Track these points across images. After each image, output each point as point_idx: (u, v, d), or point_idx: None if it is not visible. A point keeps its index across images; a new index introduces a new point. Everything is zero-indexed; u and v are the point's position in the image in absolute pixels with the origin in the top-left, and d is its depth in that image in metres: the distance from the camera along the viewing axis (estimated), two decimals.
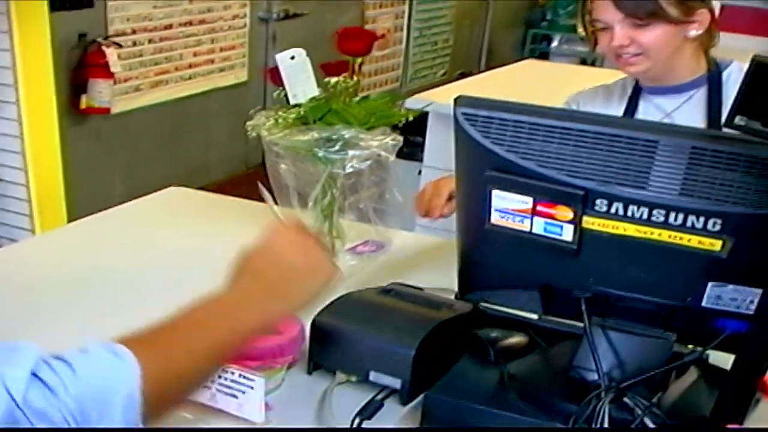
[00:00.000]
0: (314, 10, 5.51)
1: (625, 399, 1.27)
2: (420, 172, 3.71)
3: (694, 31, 1.98)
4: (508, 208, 1.23)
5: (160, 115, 4.73)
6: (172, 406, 1.11)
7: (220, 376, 1.39)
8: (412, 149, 3.79)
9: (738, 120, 1.03)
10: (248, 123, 1.84)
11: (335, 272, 1.25)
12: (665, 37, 1.95)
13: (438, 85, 4.67)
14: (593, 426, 1.25)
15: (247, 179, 1.93)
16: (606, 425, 1.25)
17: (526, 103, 1.22)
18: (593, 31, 2.05)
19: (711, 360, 1.42)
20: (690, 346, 1.37)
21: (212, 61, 4.90)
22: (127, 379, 1.00)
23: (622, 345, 1.32)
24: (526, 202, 1.21)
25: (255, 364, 1.42)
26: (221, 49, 4.94)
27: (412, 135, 3.80)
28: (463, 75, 6.59)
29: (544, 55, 8.24)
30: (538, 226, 1.23)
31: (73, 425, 0.95)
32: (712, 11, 2.00)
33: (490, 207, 1.25)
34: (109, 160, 4.48)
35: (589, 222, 1.20)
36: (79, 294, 1.83)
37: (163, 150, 4.81)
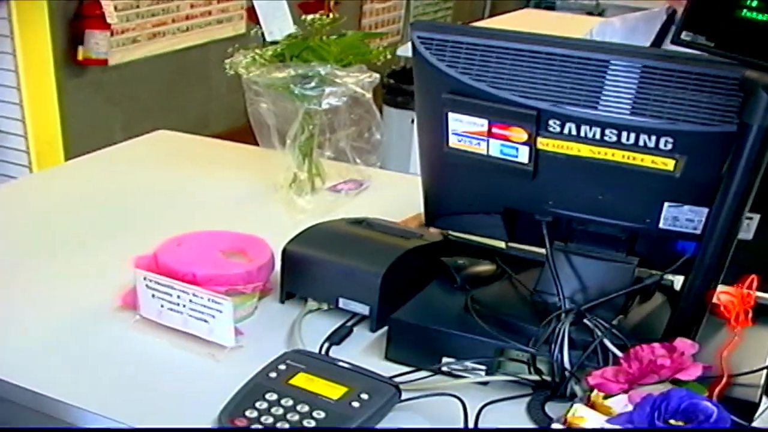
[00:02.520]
0: None
1: (585, 321, 1.29)
2: (413, 121, 3.71)
3: None
4: (464, 131, 1.25)
5: (159, 67, 4.74)
6: None
7: (191, 301, 1.42)
8: (405, 98, 3.80)
9: (684, 35, 1.04)
10: (226, 61, 1.86)
11: None
12: None
13: None
14: (553, 346, 1.27)
15: (247, 131, 1.96)
16: (566, 346, 1.27)
17: (481, 27, 1.24)
18: None
19: (678, 286, 1.44)
20: (654, 272, 1.39)
21: (210, 13, 4.90)
22: None
23: (584, 269, 1.34)
24: (481, 124, 1.22)
25: (224, 289, 1.45)
26: (218, 1, 4.94)
27: (406, 84, 3.81)
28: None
29: (550, 8, 8.18)
30: (494, 148, 1.24)
31: None
32: None
33: (447, 130, 1.26)
34: (108, 112, 4.50)
35: (544, 143, 1.21)
36: (66, 229, 1.87)
37: (162, 102, 4.82)
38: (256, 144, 2.03)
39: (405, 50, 3.09)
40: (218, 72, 4.96)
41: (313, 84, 1.78)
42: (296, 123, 1.87)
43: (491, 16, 7.59)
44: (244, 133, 2.38)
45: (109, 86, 4.46)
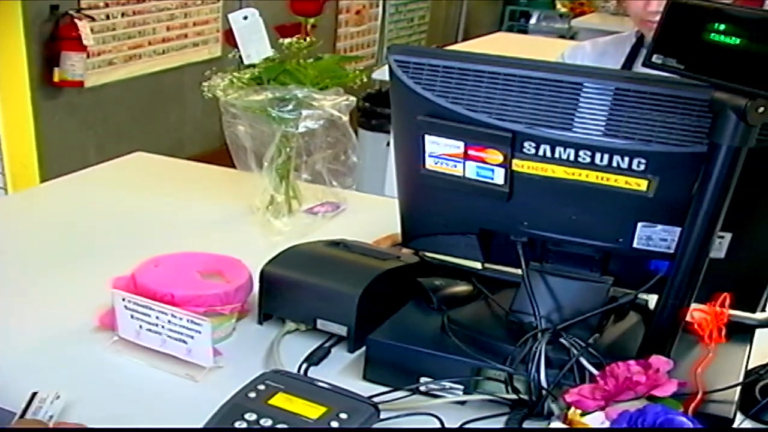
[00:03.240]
0: None
1: (562, 340, 1.30)
2: (388, 144, 3.73)
3: None
4: (441, 153, 1.26)
5: (135, 89, 4.74)
6: None
7: (169, 322, 1.42)
8: (380, 121, 3.82)
9: (655, 58, 1.06)
10: (204, 84, 1.87)
11: None
12: None
13: None
14: (530, 365, 1.28)
15: (222, 154, 1.98)
16: (542, 365, 1.28)
17: (457, 50, 1.25)
18: None
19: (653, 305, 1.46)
20: (629, 291, 1.41)
21: (186, 36, 4.91)
22: None
23: (559, 289, 1.36)
24: (457, 146, 1.24)
25: (202, 310, 1.45)
26: (194, 24, 4.95)
27: (381, 107, 3.83)
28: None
29: (522, 32, 8.26)
30: (471, 170, 1.26)
31: None
32: None
33: (424, 152, 1.28)
34: (83, 134, 4.49)
35: (519, 165, 1.23)
36: (43, 251, 1.87)
37: (138, 124, 4.82)
38: (232, 167, 2.04)
39: (380, 74, 3.12)
40: (193, 95, 4.97)
41: (290, 107, 1.79)
42: (273, 145, 1.88)
43: (465, 40, 7.65)
44: (219, 155, 2.39)
45: (84, 108, 4.46)
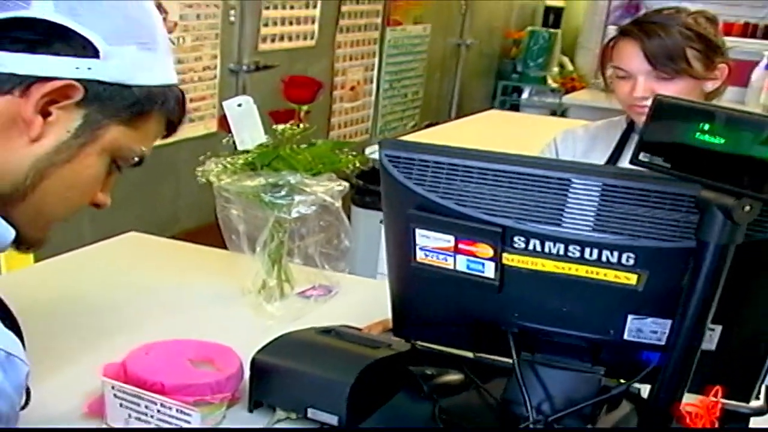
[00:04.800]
0: (284, 62, 5.57)
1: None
2: (381, 221, 3.74)
3: (711, 85, 2.05)
4: (431, 246, 1.27)
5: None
6: None
7: (158, 411, 1.41)
8: (374, 199, 3.83)
9: (642, 156, 1.08)
10: (198, 169, 1.88)
11: None
12: (686, 91, 2.00)
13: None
14: None
15: (216, 229, 2.01)
16: None
17: (446, 145, 1.27)
18: (610, 76, 2.11)
19: (645, 394, 1.45)
20: (622, 381, 1.41)
21: None
22: None
23: (551, 379, 1.35)
24: (448, 240, 1.25)
25: (193, 399, 1.44)
26: (191, 100, 4.99)
27: (375, 184, 3.85)
28: (431, 125, 6.66)
29: (514, 107, 8.34)
30: (461, 263, 1.26)
31: None
32: (729, 66, 2.06)
33: (414, 245, 1.28)
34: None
35: (509, 258, 1.24)
36: (34, 333, 1.86)
37: (133, 198, 4.83)
38: (225, 245, 2.05)
39: (374, 150, 3.13)
40: (188, 169, 4.97)
41: (283, 192, 1.80)
42: (266, 230, 1.89)
43: (458, 115, 7.73)
44: (213, 229, 2.41)
45: None
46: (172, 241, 2.57)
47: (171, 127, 1.20)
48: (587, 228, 1.19)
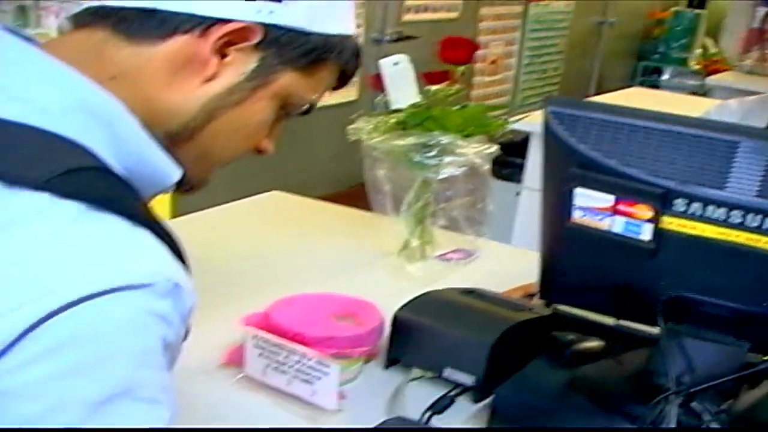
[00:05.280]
0: (427, 34, 5.56)
1: (693, 404, 1.27)
2: (518, 194, 3.72)
3: None
4: (589, 206, 1.25)
5: None
6: None
7: (298, 362, 1.43)
8: (511, 170, 3.81)
9: None
10: (349, 127, 1.90)
11: None
12: None
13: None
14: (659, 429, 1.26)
15: (346, 197, 2.02)
16: (673, 427, 1.25)
17: (611, 104, 1.25)
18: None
19: None
20: (765, 358, 1.37)
21: None
22: None
23: (695, 351, 1.32)
24: (608, 200, 1.23)
25: (332, 352, 1.46)
26: None
27: (513, 156, 3.82)
28: None
29: (654, 88, 8.17)
30: (618, 225, 1.24)
31: None
32: None
33: (572, 205, 1.27)
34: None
35: (668, 222, 1.21)
36: None
37: (269, 163, 4.89)
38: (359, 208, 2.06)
39: (516, 125, 3.12)
40: (323, 137, 5.03)
41: (433, 153, 1.81)
42: (412, 191, 1.90)
43: (597, 93, 7.61)
44: (341, 199, 2.44)
45: None
46: (315, 200, 2.60)
47: (343, 79, 1.21)
48: (752, 193, 1.15)
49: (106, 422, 0.85)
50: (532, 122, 3.23)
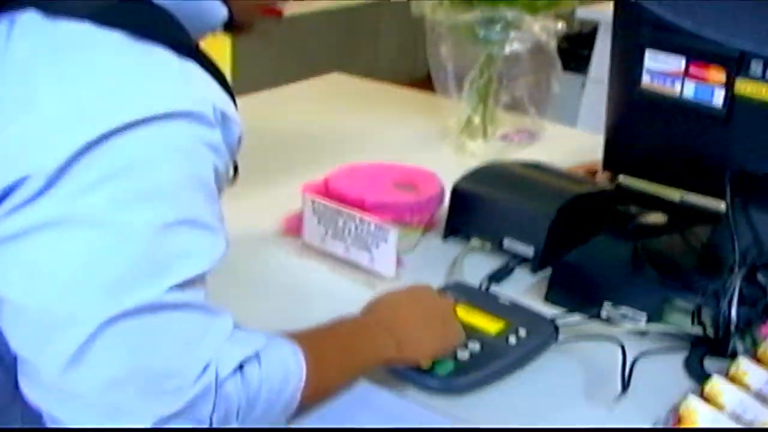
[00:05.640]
0: None
1: (759, 277, 1.26)
2: (584, 85, 3.65)
3: None
4: (660, 69, 1.22)
5: (330, 22, 4.77)
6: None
7: (356, 227, 1.43)
8: (577, 62, 3.75)
9: None
10: (413, 2, 1.87)
11: (460, 341, 1.21)
12: None
13: None
14: (722, 300, 1.24)
15: (413, 86, 2.01)
16: (735, 300, 1.24)
17: None
18: None
19: None
20: None
21: None
22: (295, 384, 0.96)
23: (762, 226, 1.29)
24: (679, 62, 1.20)
25: (391, 218, 1.45)
26: None
27: (579, 48, 3.76)
28: None
29: None
30: (689, 89, 1.21)
31: (236, 419, 0.90)
32: None
33: (641, 69, 1.24)
34: (277, 64, 4.56)
35: (742, 87, 1.17)
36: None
37: (332, 58, 4.87)
38: None
39: (583, 12, 3.03)
40: (389, 31, 4.95)
41: (498, 28, 1.78)
42: (476, 67, 1.87)
43: None
44: (405, 86, 2.41)
45: (279, 38, 4.51)
46: (376, 82, 2.58)
47: None
48: None
49: (169, 247, 0.85)
50: (601, 10, 3.18)
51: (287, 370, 0.95)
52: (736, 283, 1.24)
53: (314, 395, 1.00)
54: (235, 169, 1.03)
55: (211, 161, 0.91)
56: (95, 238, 0.83)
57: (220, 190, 0.95)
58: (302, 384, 0.96)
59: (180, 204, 0.87)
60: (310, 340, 1.00)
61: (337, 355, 1.07)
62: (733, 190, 1.27)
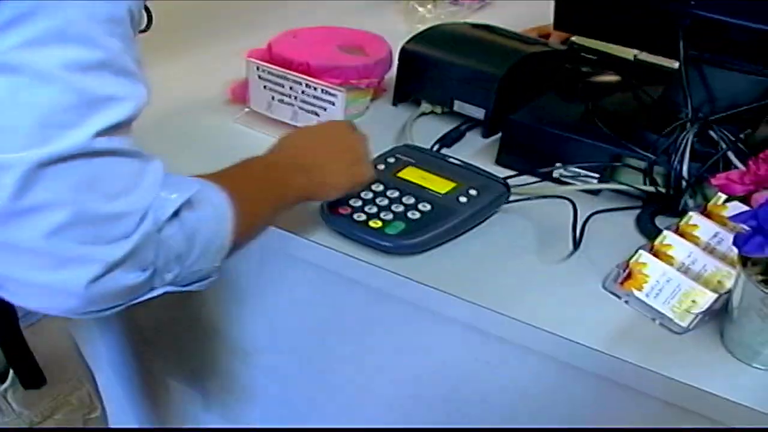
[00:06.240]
0: None
1: (711, 132, 1.24)
2: None
3: None
4: None
5: None
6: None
7: (303, 92, 1.40)
8: None
9: None
10: None
11: (371, 177, 1.20)
12: None
13: None
14: (673, 156, 1.23)
15: None
16: (687, 156, 1.22)
17: None
18: None
19: None
20: None
21: None
22: (225, 224, 0.95)
23: (716, 81, 1.26)
24: None
25: (338, 82, 1.42)
26: None
27: None
28: None
29: None
30: None
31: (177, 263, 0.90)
32: None
33: None
34: None
35: None
36: (174, 26, 1.83)
37: None
38: None
39: None
40: None
41: None
42: None
43: None
44: None
45: None
46: None
47: None
48: None
49: (89, 91, 0.82)
50: None
51: (217, 211, 0.94)
52: (689, 138, 1.22)
53: (242, 235, 0.99)
54: (149, 15, 1.00)
55: (126, 4, 0.86)
56: (11, 82, 0.79)
57: (134, 34, 0.91)
58: (231, 224, 0.95)
59: (96, 46, 0.83)
60: (227, 180, 0.98)
61: (255, 191, 1.06)
62: (686, 43, 1.24)
